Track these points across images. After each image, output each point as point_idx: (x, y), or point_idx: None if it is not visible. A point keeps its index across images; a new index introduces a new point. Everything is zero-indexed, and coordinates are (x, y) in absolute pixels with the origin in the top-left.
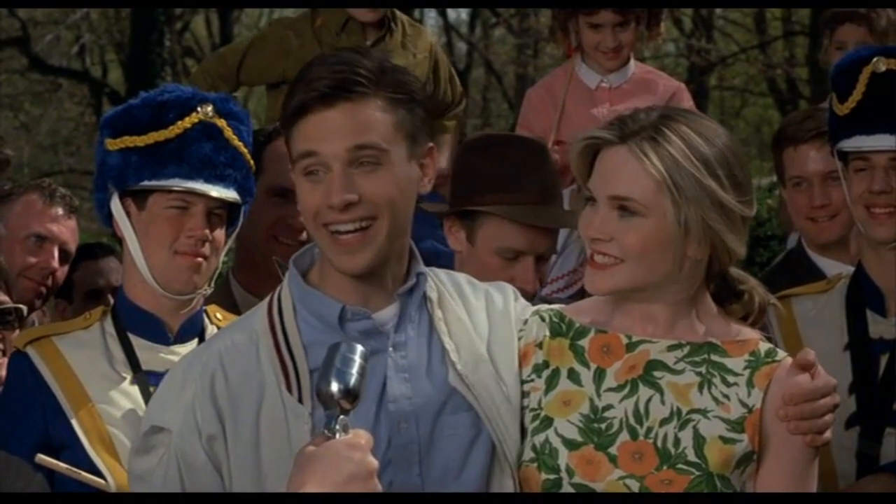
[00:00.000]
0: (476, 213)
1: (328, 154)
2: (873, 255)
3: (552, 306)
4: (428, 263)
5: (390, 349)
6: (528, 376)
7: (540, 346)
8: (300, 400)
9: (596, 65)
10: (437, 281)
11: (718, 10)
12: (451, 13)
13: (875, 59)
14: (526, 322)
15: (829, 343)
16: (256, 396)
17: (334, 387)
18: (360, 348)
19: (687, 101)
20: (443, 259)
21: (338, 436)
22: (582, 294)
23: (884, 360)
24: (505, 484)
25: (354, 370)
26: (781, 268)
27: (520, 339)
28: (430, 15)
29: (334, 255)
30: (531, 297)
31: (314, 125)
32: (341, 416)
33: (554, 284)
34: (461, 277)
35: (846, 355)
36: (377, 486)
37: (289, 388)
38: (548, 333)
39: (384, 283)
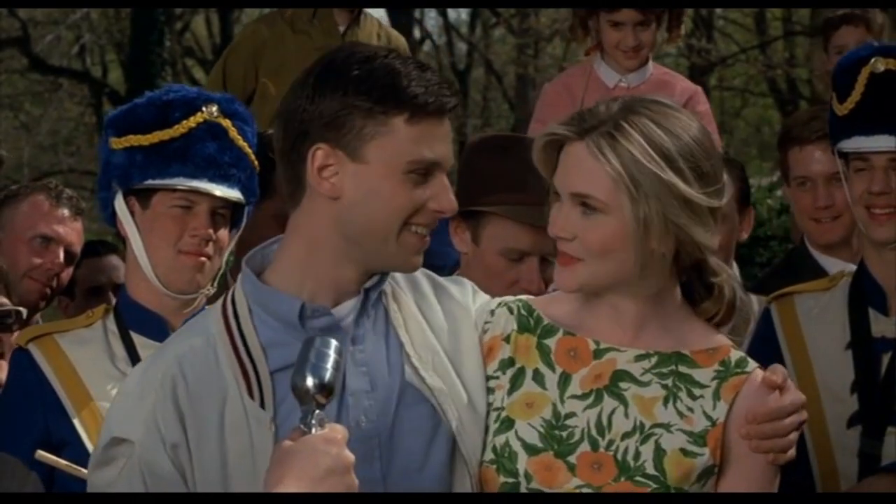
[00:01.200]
0: (481, 213)
1: (445, 162)
2: (875, 255)
3: (520, 297)
4: (434, 262)
5: (349, 343)
6: (494, 372)
7: (507, 339)
8: (262, 404)
9: (615, 64)
10: (390, 276)
11: (718, 10)
12: (452, 13)
13: (873, 60)
14: (493, 313)
15: (831, 341)
16: (218, 401)
17: (309, 381)
18: (334, 342)
19: (703, 104)
20: (437, 258)
21: (314, 430)
22: None
23: (886, 358)
24: (465, 479)
25: (329, 364)
26: (785, 266)
27: (486, 331)
28: (431, 15)
29: (414, 255)
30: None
31: (443, 131)
32: (317, 411)
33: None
34: (419, 273)
35: (848, 354)
36: (354, 480)
37: (250, 393)
38: (515, 327)
39: (351, 278)
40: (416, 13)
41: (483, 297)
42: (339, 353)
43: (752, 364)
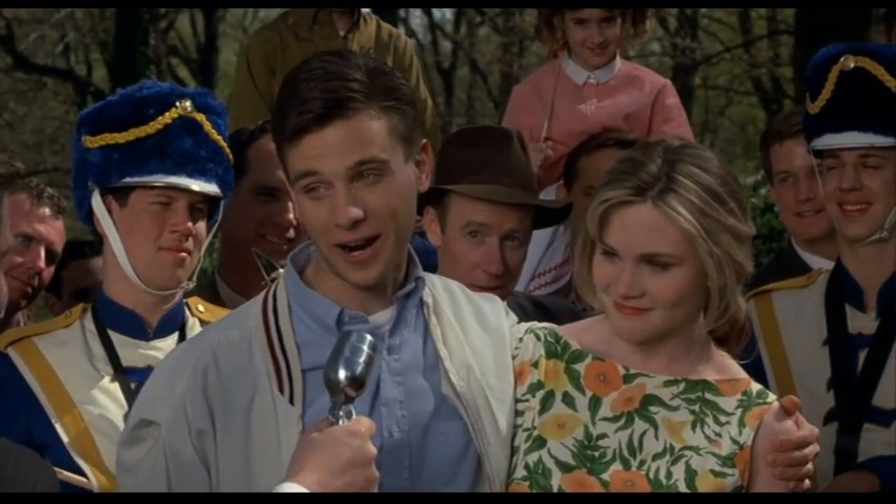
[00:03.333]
0: (447, 200)
1: (329, 173)
2: (850, 251)
3: (545, 325)
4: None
5: (384, 352)
6: (524, 395)
7: (535, 365)
8: (291, 401)
9: (582, 61)
10: (432, 287)
11: (703, 9)
12: (436, 12)
13: (844, 58)
14: (521, 340)
15: (809, 338)
16: (248, 393)
17: (341, 374)
18: (369, 338)
19: (672, 97)
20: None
21: (341, 422)
22: (568, 288)
23: (862, 355)
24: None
25: (362, 359)
26: (773, 267)
27: (514, 357)
28: (416, 14)
29: (347, 271)
30: (501, 284)
31: (312, 145)
32: (345, 404)
33: (541, 278)
34: (454, 285)
35: (825, 350)
36: (375, 474)
37: (280, 388)
38: (543, 353)
39: (384, 287)
40: (401, 12)
41: (513, 318)
42: (374, 348)
43: (771, 396)
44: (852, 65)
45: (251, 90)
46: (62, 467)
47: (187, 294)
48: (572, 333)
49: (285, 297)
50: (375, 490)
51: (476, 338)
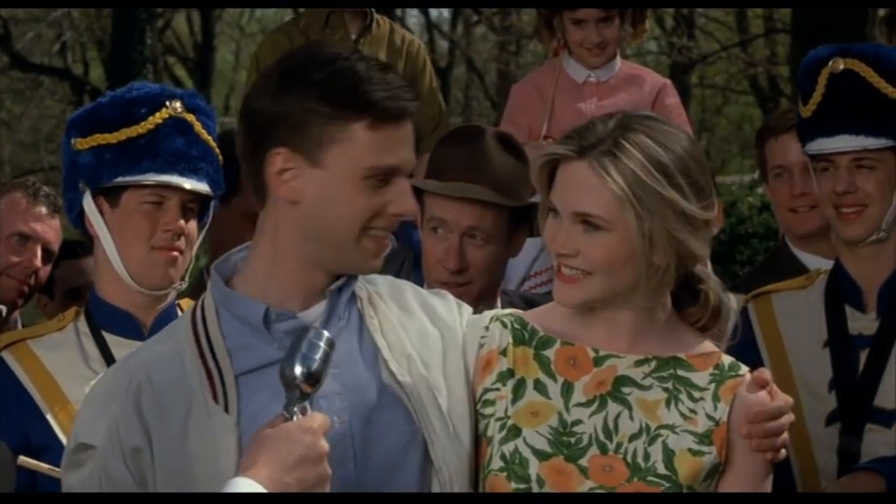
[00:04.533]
0: (422, 196)
1: (409, 167)
2: (849, 252)
3: (510, 311)
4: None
5: None
6: (493, 384)
7: (504, 353)
8: (226, 409)
9: (582, 62)
10: (366, 283)
11: (700, 8)
12: (433, 11)
13: (833, 60)
14: (487, 329)
15: (809, 339)
16: (184, 407)
17: (297, 370)
18: (326, 335)
19: (672, 97)
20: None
21: (295, 419)
22: None
23: (863, 355)
24: (436, 487)
25: (318, 356)
26: (767, 265)
27: (482, 345)
28: (412, 13)
29: (373, 258)
30: (463, 281)
31: (400, 135)
32: (300, 400)
33: (536, 279)
34: (405, 283)
35: (826, 352)
36: (327, 470)
37: (214, 397)
38: (511, 340)
39: (319, 281)
40: (398, 11)
41: (467, 310)
42: (331, 345)
43: (743, 368)
44: (841, 67)
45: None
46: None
47: (179, 295)
48: (538, 318)
49: (213, 304)
50: (328, 487)
51: (420, 328)
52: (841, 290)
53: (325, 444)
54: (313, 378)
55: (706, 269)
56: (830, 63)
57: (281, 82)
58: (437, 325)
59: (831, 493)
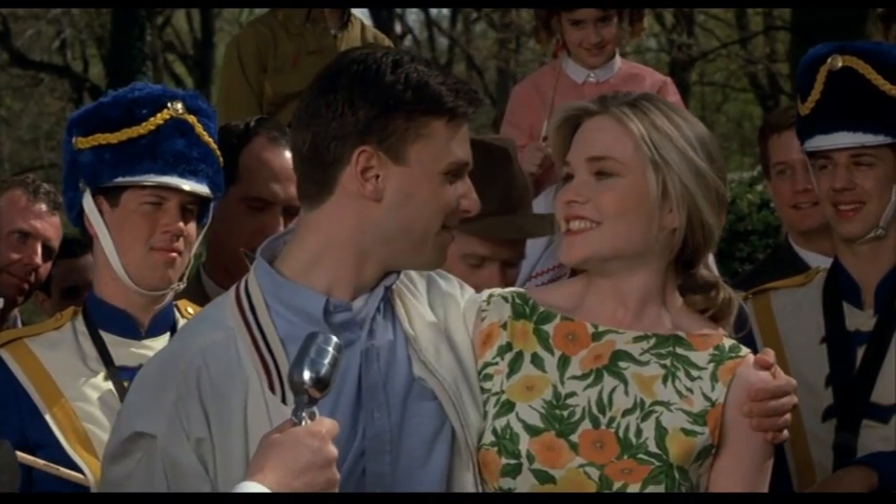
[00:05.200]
0: None
1: (469, 165)
2: (847, 250)
3: (512, 288)
4: None
5: (363, 338)
6: (493, 358)
7: (504, 326)
8: (283, 399)
9: (581, 62)
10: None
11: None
12: (433, 8)
13: (831, 57)
14: (489, 302)
15: (807, 336)
16: (241, 396)
17: (306, 375)
18: (335, 340)
19: (673, 95)
20: None
21: (303, 423)
22: None
23: (860, 352)
24: (464, 476)
25: (327, 360)
26: (768, 263)
27: (483, 319)
28: (412, 10)
29: (445, 253)
30: None
31: (464, 134)
32: (308, 405)
33: (539, 279)
34: (411, 271)
35: (823, 348)
36: (335, 475)
37: (271, 388)
38: (511, 314)
39: (368, 277)
40: (398, 8)
41: (469, 290)
42: (339, 350)
43: (744, 349)
44: (840, 64)
45: (242, 85)
46: (58, 464)
47: (177, 296)
48: (540, 294)
49: (259, 292)
50: (336, 491)
51: (438, 313)
52: (839, 287)
53: (333, 450)
54: (322, 383)
55: (713, 274)
56: (829, 60)
57: (354, 86)
58: (442, 301)
59: (825, 491)
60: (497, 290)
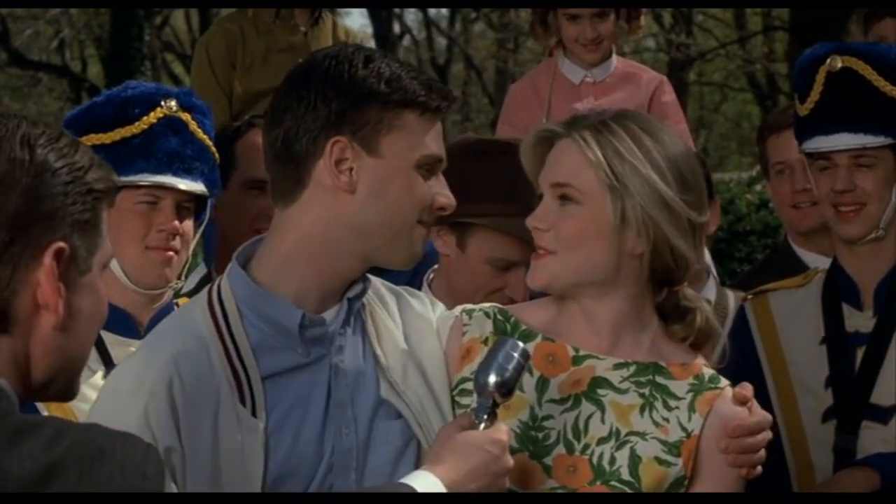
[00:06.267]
0: (468, 221)
1: (443, 160)
2: (847, 250)
3: (492, 304)
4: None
5: (333, 353)
6: (471, 374)
7: (485, 342)
8: (254, 412)
9: (578, 59)
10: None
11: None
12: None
13: (830, 58)
14: (470, 316)
15: (806, 337)
16: (212, 405)
17: (492, 378)
18: (521, 346)
19: (669, 94)
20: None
21: (482, 426)
22: None
23: (860, 353)
24: None
25: (512, 366)
26: (767, 263)
27: (464, 333)
28: (410, 10)
29: (421, 248)
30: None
31: (438, 129)
32: (490, 408)
33: None
34: (379, 284)
35: (822, 349)
36: (506, 485)
37: (242, 400)
38: (492, 330)
39: (335, 285)
40: (396, 9)
41: (441, 306)
42: (525, 357)
43: (724, 381)
44: (839, 65)
45: (212, 84)
46: None
47: (178, 295)
48: (521, 312)
49: (232, 299)
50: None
51: (408, 331)
52: (838, 288)
53: (510, 460)
54: (506, 387)
55: (696, 294)
56: (828, 61)
57: (326, 81)
58: (413, 319)
59: (826, 492)
60: (478, 306)
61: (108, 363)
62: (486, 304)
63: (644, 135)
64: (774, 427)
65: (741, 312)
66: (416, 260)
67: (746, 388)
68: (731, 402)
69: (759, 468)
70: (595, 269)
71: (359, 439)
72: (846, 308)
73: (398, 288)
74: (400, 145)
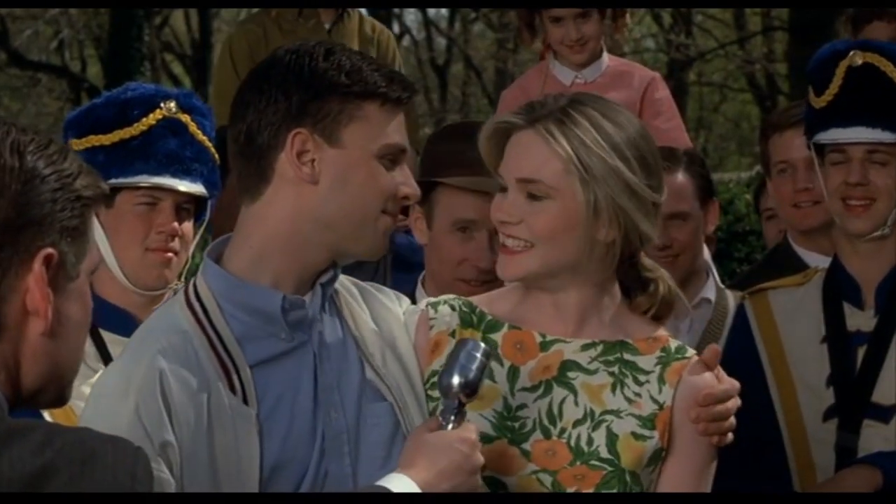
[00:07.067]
0: (433, 193)
1: (405, 150)
2: (849, 248)
3: (459, 296)
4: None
5: (315, 338)
6: (441, 367)
7: (453, 335)
8: (245, 400)
9: (567, 61)
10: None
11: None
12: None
13: (852, 53)
14: (436, 310)
15: (807, 336)
16: (203, 397)
17: (455, 380)
18: (483, 346)
19: (662, 90)
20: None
21: (450, 427)
22: None
23: (861, 352)
24: None
25: (475, 366)
26: (767, 263)
27: (431, 327)
28: (410, 10)
29: (386, 239)
30: (489, 279)
31: (400, 120)
32: (456, 409)
33: None
34: (344, 279)
35: (823, 348)
36: (478, 482)
37: (231, 388)
38: (458, 323)
39: (308, 272)
40: (396, 9)
41: (406, 301)
42: (487, 357)
43: (690, 351)
44: (860, 61)
45: (235, 84)
46: None
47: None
48: (486, 303)
49: (210, 294)
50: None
51: (379, 322)
52: (839, 287)
53: (480, 457)
54: (469, 388)
55: (654, 262)
56: (850, 56)
57: (287, 74)
58: (380, 311)
59: (827, 491)
60: (442, 298)
61: (108, 363)
62: (451, 297)
63: (604, 120)
64: (775, 426)
65: (741, 310)
66: (382, 250)
67: (711, 352)
68: (694, 368)
69: (731, 436)
70: (568, 257)
71: (348, 423)
72: (847, 307)
73: (362, 283)
74: (361, 136)
